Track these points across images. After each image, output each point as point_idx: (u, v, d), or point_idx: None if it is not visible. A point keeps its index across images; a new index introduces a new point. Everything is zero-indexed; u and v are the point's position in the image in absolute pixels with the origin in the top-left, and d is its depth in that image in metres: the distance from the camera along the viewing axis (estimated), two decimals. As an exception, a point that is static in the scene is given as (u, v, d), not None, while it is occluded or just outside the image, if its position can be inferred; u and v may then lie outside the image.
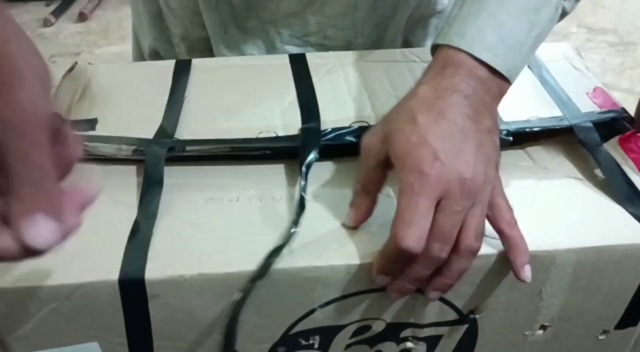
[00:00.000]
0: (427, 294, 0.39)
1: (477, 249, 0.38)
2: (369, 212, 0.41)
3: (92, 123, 0.49)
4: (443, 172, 0.37)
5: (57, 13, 2.53)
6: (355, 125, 0.49)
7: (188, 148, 0.47)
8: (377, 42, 0.64)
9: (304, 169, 0.44)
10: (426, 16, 0.66)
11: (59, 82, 0.53)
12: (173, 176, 0.45)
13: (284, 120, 0.49)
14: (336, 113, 0.50)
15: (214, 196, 0.44)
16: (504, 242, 0.40)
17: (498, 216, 0.40)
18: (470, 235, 0.38)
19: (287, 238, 0.39)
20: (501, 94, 0.43)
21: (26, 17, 2.45)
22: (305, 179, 0.43)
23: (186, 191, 0.44)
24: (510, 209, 0.40)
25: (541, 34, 0.44)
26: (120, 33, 2.33)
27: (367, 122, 0.49)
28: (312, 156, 0.45)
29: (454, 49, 0.42)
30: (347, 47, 0.62)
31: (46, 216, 0.29)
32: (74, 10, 2.58)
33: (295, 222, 0.40)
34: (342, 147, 0.47)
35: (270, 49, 0.62)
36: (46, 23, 2.45)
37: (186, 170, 0.46)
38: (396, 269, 0.38)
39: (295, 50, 0.56)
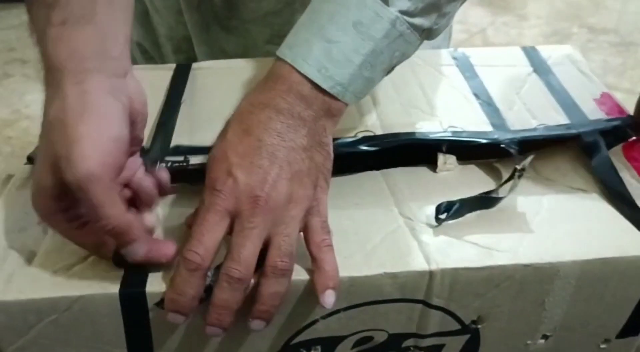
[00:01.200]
0: (248, 324, 0.37)
1: (284, 269, 0.36)
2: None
3: None
4: (234, 189, 0.36)
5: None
6: (360, 135, 0.48)
7: (192, 161, 0.46)
8: None
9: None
10: None
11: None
12: (175, 190, 0.44)
13: None
14: (340, 122, 0.50)
15: None
16: (313, 265, 0.38)
17: (308, 237, 0.38)
18: (274, 254, 0.36)
19: None
20: (330, 111, 0.41)
21: (25, 17, 2.43)
22: None
23: (186, 201, 0.44)
24: (325, 231, 0.39)
25: (378, 52, 0.41)
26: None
27: (372, 132, 0.49)
28: None
29: (282, 60, 0.41)
30: None
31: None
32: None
33: None
34: (348, 159, 0.46)
35: (252, 48, 0.62)
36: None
37: (189, 187, 0.46)
38: (191, 297, 0.36)
39: (276, 49, 0.57)
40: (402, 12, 0.41)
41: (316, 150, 0.40)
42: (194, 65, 0.57)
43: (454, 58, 0.58)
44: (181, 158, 0.46)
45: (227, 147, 0.38)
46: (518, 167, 0.43)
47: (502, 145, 0.47)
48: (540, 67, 0.57)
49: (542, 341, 0.45)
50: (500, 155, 0.48)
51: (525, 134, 0.49)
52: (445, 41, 0.72)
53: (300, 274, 0.38)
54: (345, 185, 0.46)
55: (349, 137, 0.48)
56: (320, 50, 0.40)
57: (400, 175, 0.47)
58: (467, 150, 0.48)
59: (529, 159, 0.44)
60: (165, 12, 0.63)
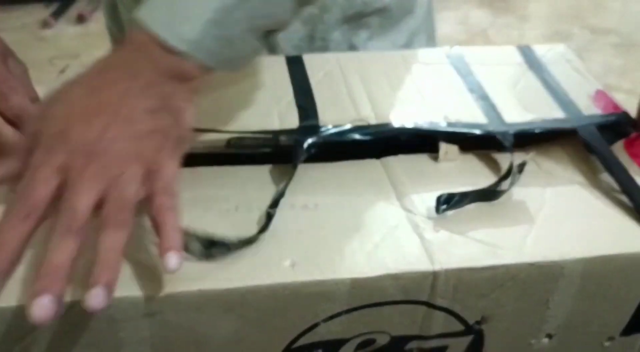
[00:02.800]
0: (88, 294, 0.33)
1: (121, 220, 0.35)
2: None
3: None
4: (67, 144, 0.36)
5: (57, 15, 2.50)
6: (354, 124, 0.48)
7: None
8: (306, 39, 0.63)
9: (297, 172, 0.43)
10: (365, 15, 0.64)
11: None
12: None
13: (282, 121, 0.49)
14: (335, 114, 0.49)
15: (212, 207, 0.43)
16: (154, 230, 0.36)
17: (150, 201, 0.36)
18: (109, 207, 0.35)
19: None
20: (182, 74, 0.39)
21: (26, 19, 2.42)
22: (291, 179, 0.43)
23: (184, 201, 0.43)
24: (167, 194, 0.37)
25: (229, 10, 0.39)
26: (119, 35, 2.31)
27: (367, 122, 0.48)
28: (307, 143, 0.44)
29: (134, 21, 0.40)
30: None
31: None
32: (73, 12, 2.56)
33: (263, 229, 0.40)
34: (341, 147, 0.46)
35: None
36: (46, 25, 2.43)
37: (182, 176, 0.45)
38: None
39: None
40: None
41: (164, 114, 0.39)
42: None
43: (449, 56, 0.58)
44: None
45: (67, 103, 0.37)
46: (518, 161, 0.43)
47: (498, 137, 0.47)
48: (535, 64, 0.57)
49: (546, 340, 0.45)
50: (496, 148, 0.48)
51: (521, 127, 0.49)
52: (432, 41, 0.72)
53: (299, 277, 0.38)
54: (345, 175, 0.46)
55: (341, 126, 0.48)
56: (166, 7, 0.39)
57: (401, 165, 0.47)
58: (461, 142, 0.48)
59: (531, 154, 0.43)
60: (128, 2, 0.65)
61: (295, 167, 0.44)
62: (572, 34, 2.23)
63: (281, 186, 0.43)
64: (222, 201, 0.43)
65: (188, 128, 0.40)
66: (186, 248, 0.37)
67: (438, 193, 0.42)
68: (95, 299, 0.33)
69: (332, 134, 0.47)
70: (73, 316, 0.36)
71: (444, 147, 0.47)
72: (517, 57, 0.59)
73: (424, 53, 0.59)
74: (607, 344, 0.46)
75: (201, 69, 0.40)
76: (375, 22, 0.65)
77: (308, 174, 0.45)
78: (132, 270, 0.38)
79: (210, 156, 0.46)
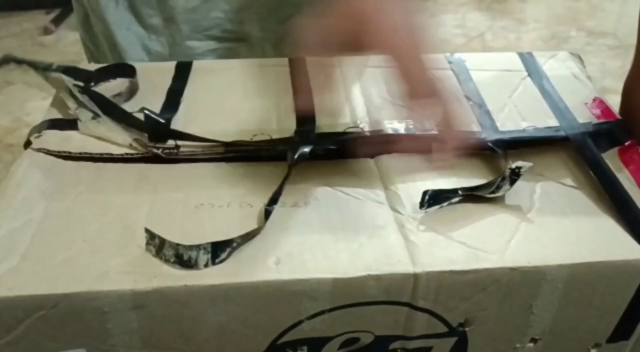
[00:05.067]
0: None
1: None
2: None
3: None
4: None
5: (57, 21, 2.53)
6: (349, 129, 0.49)
7: (182, 149, 0.47)
8: (284, 39, 0.65)
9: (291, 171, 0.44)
10: None
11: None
12: (164, 179, 0.45)
13: (280, 124, 0.49)
14: (332, 118, 0.50)
15: (204, 202, 0.44)
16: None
17: None
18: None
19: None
20: None
21: (26, 25, 2.45)
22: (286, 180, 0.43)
23: (177, 196, 0.44)
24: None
25: None
26: (121, 39, 2.33)
27: (361, 129, 0.49)
28: (300, 151, 0.45)
29: None
30: (246, 40, 0.64)
31: None
32: (73, 18, 2.58)
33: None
34: (336, 151, 0.47)
35: (173, 45, 0.65)
36: (46, 31, 2.45)
37: (178, 173, 0.46)
38: None
39: (197, 44, 0.59)
40: None
41: None
42: (195, 63, 0.58)
43: (450, 62, 0.59)
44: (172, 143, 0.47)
45: None
46: (512, 166, 0.43)
47: (490, 145, 0.48)
48: (535, 72, 0.58)
49: (531, 344, 0.45)
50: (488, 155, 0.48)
51: (513, 135, 0.49)
52: None
53: (282, 275, 0.38)
54: (338, 173, 0.46)
55: (336, 131, 0.49)
56: None
57: (394, 165, 0.47)
58: None
59: (528, 165, 0.44)
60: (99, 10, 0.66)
61: (289, 169, 0.44)
62: (570, 37, 2.22)
63: (278, 184, 0.44)
64: (215, 198, 0.44)
65: None
66: (195, 263, 0.38)
67: None
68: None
69: (327, 140, 0.48)
70: (62, 308, 0.37)
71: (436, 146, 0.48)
72: (518, 64, 0.59)
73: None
74: (593, 350, 0.46)
75: None
76: None
77: (301, 172, 0.45)
78: (120, 264, 0.39)
79: (209, 160, 0.47)
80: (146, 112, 0.48)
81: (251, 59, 0.62)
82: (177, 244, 0.38)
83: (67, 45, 2.33)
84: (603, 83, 1.73)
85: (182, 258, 0.38)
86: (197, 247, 0.38)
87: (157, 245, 0.38)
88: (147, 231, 0.39)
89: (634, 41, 0.55)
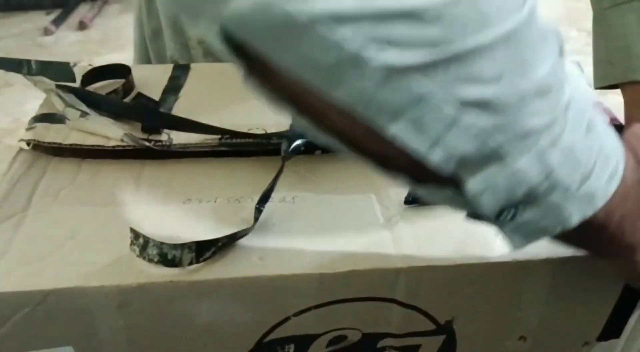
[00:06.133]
0: None
1: None
2: None
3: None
4: None
5: (57, 22, 2.54)
6: None
7: (175, 142, 0.47)
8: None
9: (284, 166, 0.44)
10: None
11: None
12: (153, 175, 0.45)
13: (276, 121, 0.50)
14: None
15: (192, 198, 0.44)
16: None
17: None
18: None
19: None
20: None
21: (26, 26, 2.46)
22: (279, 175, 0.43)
23: (165, 192, 0.44)
24: None
25: None
26: (119, 41, 2.34)
27: None
28: (295, 144, 0.45)
29: None
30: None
31: None
32: (74, 19, 2.60)
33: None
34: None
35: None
36: (46, 32, 2.47)
37: (167, 169, 0.46)
38: None
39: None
40: None
41: None
42: (192, 65, 0.59)
43: None
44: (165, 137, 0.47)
45: None
46: None
47: None
48: None
49: (521, 342, 0.45)
50: None
51: None
52: None
53: (267, 271, 0.38)
54: (328, 168, 0.46)
55: None
56: None
57: None
58: None
59: None
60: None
61: (283, 162, 0.44)
62: (570, 37, 2.23)
63: (270, 181, 0.44)
64: (206, 193, 0.44)
65: None
66: (179, 262, 0.38)
67: None
68: None
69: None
70: (48, 305, 0.37)
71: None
72: None
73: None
74: (584, 349, 0.46)
75: None
76: None
77: (291, 167, 0.45)
78: (106, 261, 0.39)
79: (202, 154, 0.48)
80: (140, 95, 0.48)
81: None
82: (162, 243, 0.38)
83: (67, 45, 2.34)
84: (603, 83, 1.74)
85: (167, 257, 0.38)
86: (182, 246, 0.38)
87: (141, 244, 0.38)
88: (131, 230, 0.39)
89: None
